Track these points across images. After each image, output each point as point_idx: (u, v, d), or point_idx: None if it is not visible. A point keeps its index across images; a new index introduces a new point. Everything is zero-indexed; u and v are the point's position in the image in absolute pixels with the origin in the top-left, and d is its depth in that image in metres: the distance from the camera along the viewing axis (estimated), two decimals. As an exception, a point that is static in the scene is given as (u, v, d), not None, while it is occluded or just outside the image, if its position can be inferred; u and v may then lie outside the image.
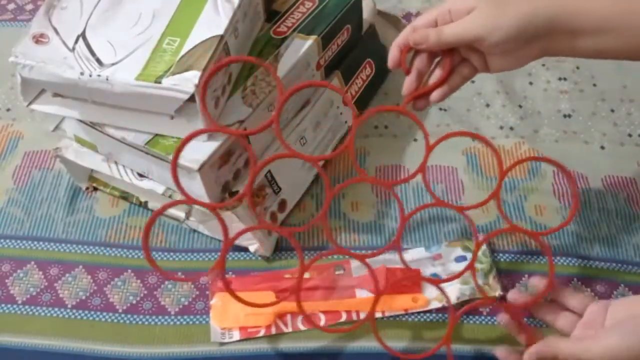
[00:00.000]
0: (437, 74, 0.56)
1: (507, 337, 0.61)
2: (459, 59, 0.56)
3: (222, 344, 0.62)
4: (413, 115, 0.56)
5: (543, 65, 0.83)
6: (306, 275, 0.65)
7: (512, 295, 0.57)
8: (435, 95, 0.56)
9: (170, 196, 0.64)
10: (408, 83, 0.56)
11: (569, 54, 0.54)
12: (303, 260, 0.57)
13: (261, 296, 0.64)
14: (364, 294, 0.64)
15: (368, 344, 0.61)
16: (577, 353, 0.49)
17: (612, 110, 0.79)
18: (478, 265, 0.65)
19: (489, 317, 0.63)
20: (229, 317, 0.63)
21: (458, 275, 0.59)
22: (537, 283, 0.57)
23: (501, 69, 0.55)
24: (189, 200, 0.57)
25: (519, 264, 0.67)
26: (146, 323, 0.64)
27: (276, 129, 0.55)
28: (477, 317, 0.63)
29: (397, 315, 0.63)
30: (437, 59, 0.56)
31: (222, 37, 0.58)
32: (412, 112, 0.57)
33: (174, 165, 0.54)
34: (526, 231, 0.61)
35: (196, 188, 0.61)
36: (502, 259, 0.67)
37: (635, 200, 0.71)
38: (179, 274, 0.66)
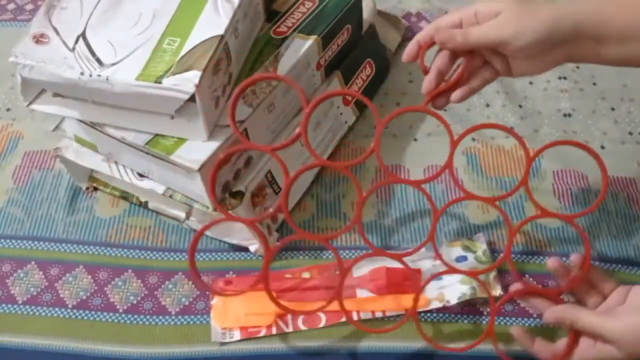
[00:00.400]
0: (458, 74, 0.56)
1: (506, 337, 0.61)
2: (481, 61, 0.56)
3: (222, 344, 0.62)
4: (435, 113, 0.57)
5: (543, 64, 0.83)
6: (306, 275, 0.66)
7: (552, 263, 0.56)
8: (455, 95, 0.56)
9: (170, 196, 0.64)
10: (427, 82, 0.55)
11: (593, 61, 0.54)
12: (342, 262, 0.57)
13: (262, 296, 0.63)
14: (364, 294, 0.64)
15: (368, 343, 0.62)
16: (595, 325, 0.51)
17: (613, 109, 0.79)
18: (479, 265, 0.65)
19: (489, 317, 0.63)
20: (229, 317, 0.63)
21: (494, 265, 0.59)
22: (576, 261, 0.56)
23: (523, 74, 0.55)
24: (230, 218, 0.58)
25: (519, 264, 0.67)
26: (146, 323, 0.64)
27: (305, 141, 0.55)
28: (477, 316, 0.63)
29: (398, 315, 0.63)
30: (459, 60, 0.56)
31: (222, 37, 0.58)
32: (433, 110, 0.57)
33: (212, 185, 0.55)
34: (558, 215, 0.61)
35: (196, 188, 0.61)
36: (502, 259, 0.67)
37: (635, 200, 0.71)
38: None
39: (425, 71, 0.56)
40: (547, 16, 0.51)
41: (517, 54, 0.53)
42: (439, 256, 0.58)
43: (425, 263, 0.65)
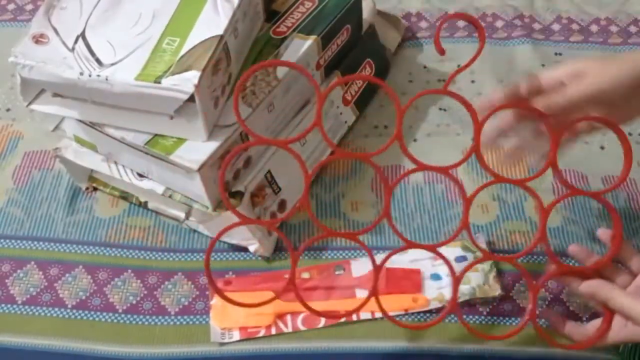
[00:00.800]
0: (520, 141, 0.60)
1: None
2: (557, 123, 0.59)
3: (222, 344, 0.62)
4: (458, 95, 0.57)
5: (543, 65, 0.83)
6: (305, 275, 0.66)
7: (573, 248, 0.58)
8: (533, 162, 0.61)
9: (170, 196, 0.64)
10: (487, 137, 0.59)
11: None
12: (375, 261, 0.57)
13: (261, 296, 0.63)
14: (364, 294, 0.64)
15: (368, 344, 0.61)
16: (626, 306, 0.53)
17: (612, 110, 0.79)
18: (478, 265, 0.65)
19: (489, 317, 0.63)
20: (229, 317, 0.63)
21: (530, 248, 0.58)
22: (604, 238, 0.58)
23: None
24: (247, 221, 0.57)
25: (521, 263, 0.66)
26: (146, 323, 0.64)
27: (322, 131, 0.55)
28: (477, 316, 0.63)
29: (397, 315, 0.63)
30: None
31: (221, 37, 0.58)
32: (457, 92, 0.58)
33: (222, 180, 0.55)
34: (586, 193, 0.61)
35: (196, 188, 0.61)
36: (502, 259, 0.67)
37: (635, 200, 0.71)
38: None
39: (442, 52, 0.57)
40: (631, 61, 0.54)
41: (615, 99, 0.54)
42: (474, 242, 0.58)
43: (424, 263, 0.65)
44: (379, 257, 0.66)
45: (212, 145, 0.59)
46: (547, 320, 0.59)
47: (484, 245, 0.66)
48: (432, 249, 0.59)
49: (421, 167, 0.59)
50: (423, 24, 0.89)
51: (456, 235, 0.58)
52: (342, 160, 0.74)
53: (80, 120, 0.63)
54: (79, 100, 0.60)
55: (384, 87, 0.56)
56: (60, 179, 0.74)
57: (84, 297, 0.65)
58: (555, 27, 0.88)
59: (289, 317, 0.63)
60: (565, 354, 0.60)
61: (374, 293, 0.57)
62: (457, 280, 0.57)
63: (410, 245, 0.59)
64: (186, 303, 0.65)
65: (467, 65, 0.56)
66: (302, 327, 0.62)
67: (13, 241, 0.69)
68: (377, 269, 0.57)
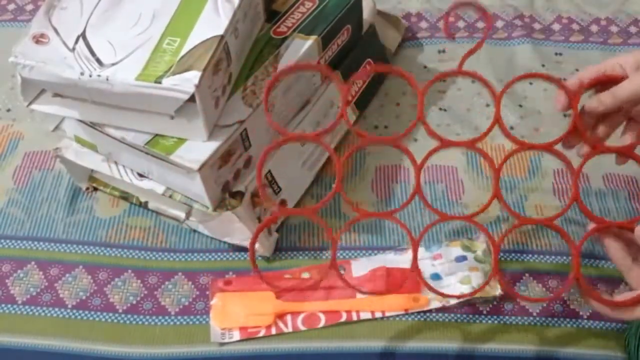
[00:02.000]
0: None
1: (506, 336, 0.61)
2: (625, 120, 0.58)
3: (222, 344, 0.62)
4: (472, 73, 0.57)
5: (543, 65, 0.83)
6: (306, 275, 0.66)
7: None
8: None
9: (170, 196, 0.64)
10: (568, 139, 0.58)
11: None
12: (411, 235, 0.56)
13: (261, 296, 0.64)
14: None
15: (368, 344, 0.61)
16: None
17: (612, 110, 0.79)
18: (478, 265, 0.65)
19: (489, 317, 0.63)
20: (229, 318, 0.63)
21: (564, 210, 0.57)
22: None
23: None
24: (285, 212, 0.57)
25: (519, 262, 0.67)
26: (146, 323, 0.64)
27: (346, 119, 0.55)
28: (477, 316, 0.63)
29: (397, 315, 0.63)
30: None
31: (222, 37, 0.58)
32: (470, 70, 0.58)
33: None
34: (617, 149, 0.59)
35: (196, 188, 0.61)
36: (502, 259, 0.67)
37: (636, 198, 0.71)
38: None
39: (451, 35, 0.56)
40: None
41: None
42: (507, 208, 0.57)
43: (424, 263, 0.65)
44: (381, 257, 0.67)
45: (213, 145, 0.59)
46: (578, 288, 0.55)
47: (484, 245, 0.66)
48: (468, 219, 0.57)
49: (445, 143, 0.59)
50: (423, 24, 0.89)
51: (488, 204, 0.56)
52: (343, 160, 0.74)
53: (80, 120, 0.63)
54: (79, 100, 0.60)
55: (404, 75, 0.55)
56: (60, 179, 0.74)
57: (84, 297, 0.65)
58: (556, 27, 0.88)
59: (289, 317, 0.63)
60: (575, 353, 0.60)
61: (417, 271, 0.55)
62: (496, 247, 0.55)
63: (444, 217, 0.58)
64: (186, 303, 0.65)
65: (475, 48, 0.56)
66: (302, 327, 0.62)
67: (13, 241, 0.69)
68: (415, 244, 0.55)
